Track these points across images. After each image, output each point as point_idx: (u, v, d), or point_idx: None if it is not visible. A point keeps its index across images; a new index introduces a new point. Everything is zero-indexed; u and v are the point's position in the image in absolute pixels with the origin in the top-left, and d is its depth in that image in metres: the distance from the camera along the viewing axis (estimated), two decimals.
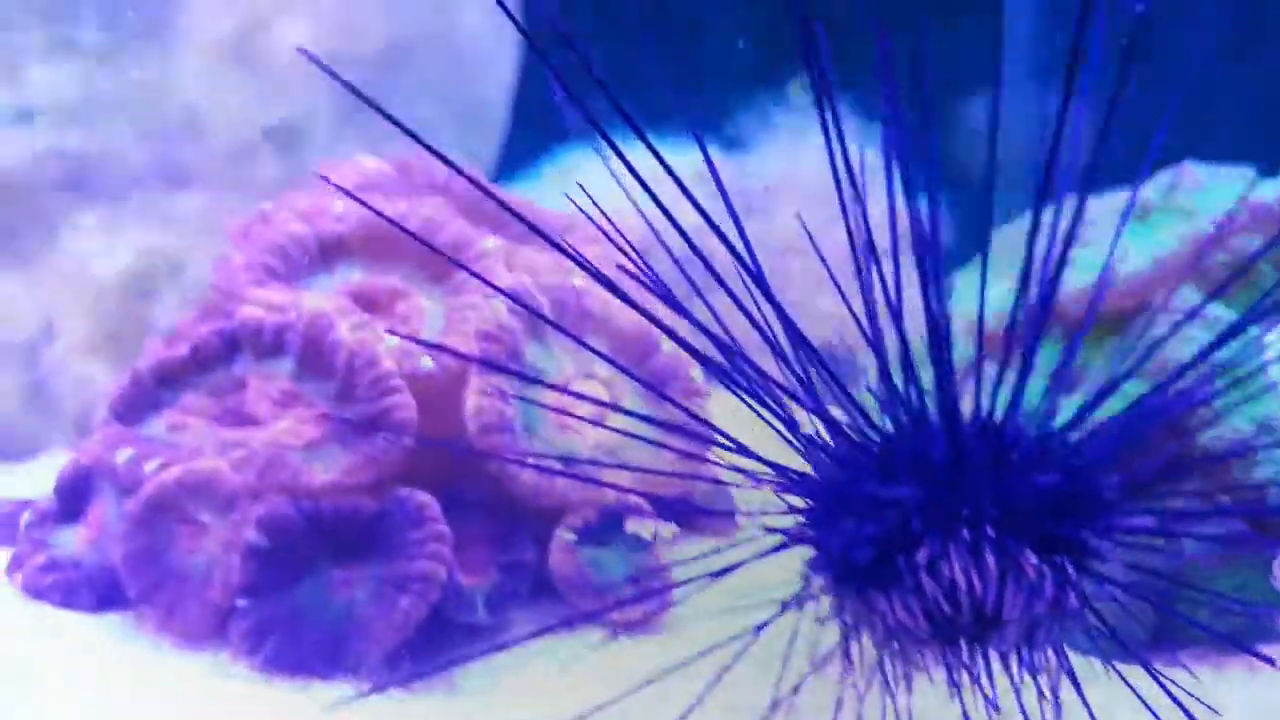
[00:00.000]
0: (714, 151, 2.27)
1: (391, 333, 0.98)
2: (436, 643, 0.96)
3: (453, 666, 0.93)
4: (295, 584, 0.93)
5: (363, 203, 0.84)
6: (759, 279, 0.72)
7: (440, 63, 2.19)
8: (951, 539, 0.67)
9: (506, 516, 0.99)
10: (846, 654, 0.74)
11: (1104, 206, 1.31)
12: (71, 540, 1.06)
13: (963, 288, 1.45)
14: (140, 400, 1.07)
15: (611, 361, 0.90)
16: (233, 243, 1.20)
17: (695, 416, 0.81)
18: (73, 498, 1.08)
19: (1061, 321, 0.94)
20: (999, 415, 0.72)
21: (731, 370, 0.76)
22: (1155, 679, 0.69)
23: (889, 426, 0.72)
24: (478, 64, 2.31)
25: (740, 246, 0.71)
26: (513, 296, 1.03)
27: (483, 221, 1.19)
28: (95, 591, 1.00)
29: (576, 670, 0.94)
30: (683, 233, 0.71)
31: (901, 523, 0.68)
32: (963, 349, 1.18)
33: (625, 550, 1.02)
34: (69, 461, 1.10)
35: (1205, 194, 1.17)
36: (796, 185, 2.32)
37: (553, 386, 1.01)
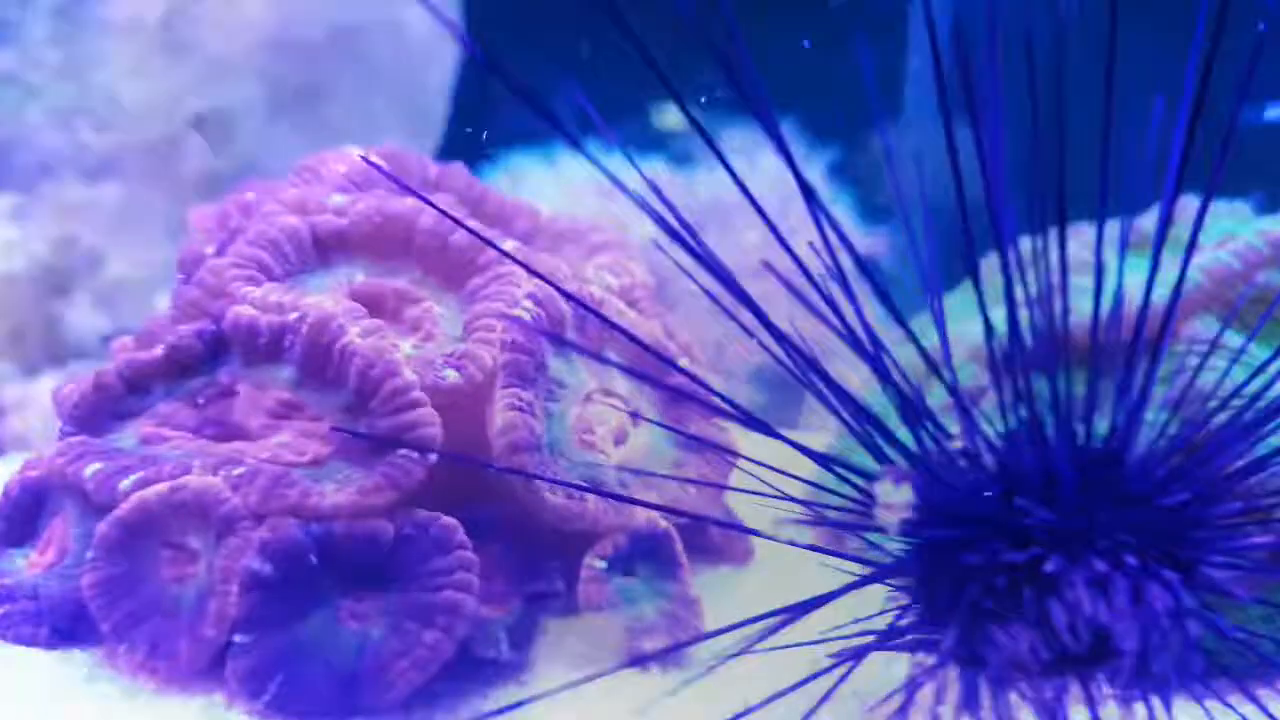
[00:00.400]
0: (661, 167, 2.20)
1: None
2: (455, 682, 0.87)
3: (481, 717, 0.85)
4: (302, 618, 0.83)
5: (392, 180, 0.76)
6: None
7: (387, 53, 2.09)
8: (1082, 566, 0.64)
9: (531, 542, 0.91)
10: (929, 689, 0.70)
11: (1087, 238, 1.32)
12: (20, 566, 0.93)
13: (953, 311, 1.45)
14: (106, 407, 0.95)
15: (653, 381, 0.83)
16: (200, 234, 1.09)
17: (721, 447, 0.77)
18: (21, 517, 0.95)
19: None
20: (1101, 435, 0.69)
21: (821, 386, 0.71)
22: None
23: (999, 448, 0.68)
24: (422, 57, 2.22)
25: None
26: (540, 303, 0.96)
27: (485, 223, 1.11)
28: (55, 625, 0.87)
29: (603, 710, 0.87)
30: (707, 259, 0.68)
31: (1029, 550, 0.64)
32: (970, 371, 1.16)
33: (652, 579, 0.95)
34: (15, 476, 0.97)
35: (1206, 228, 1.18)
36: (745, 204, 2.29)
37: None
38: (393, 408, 0.86)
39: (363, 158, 1.12)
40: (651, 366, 1.05)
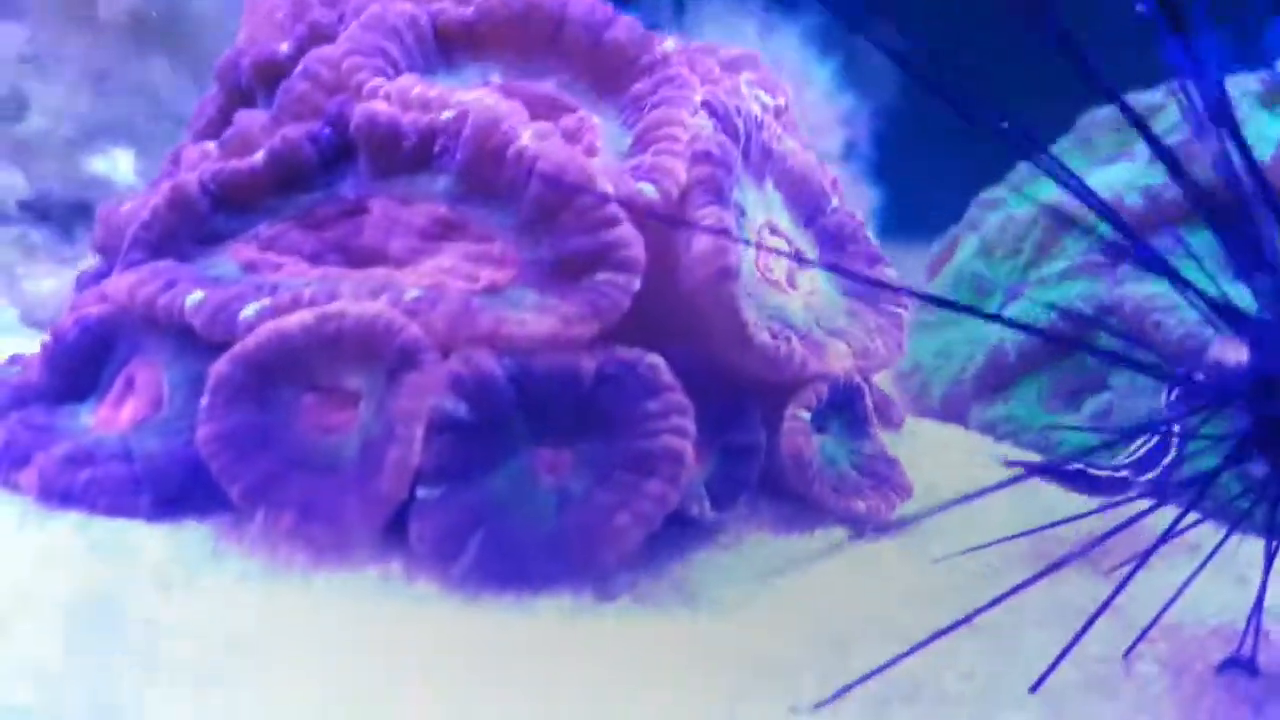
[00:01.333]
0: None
1: None
2: (644, 545, 0.75)
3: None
4: (495, 469, 0.69)
5: None
6: None
7: None
8: None
9: (727, 389, 0.79)
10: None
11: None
12: (86, 423, 0.75)
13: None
14: (187, 228, 0.76)
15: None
16: (263, 26, 0.90)
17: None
18: (79, 366, 0.76)
19: None
20: None
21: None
22: None
23: None
24: None
25: None
26: (715, 113, 0.82)
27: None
28: (159, 492, 0.70)
29: (823, 576, 0.77)
30: None
31: None
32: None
33: (844, 436, 0.85)
34: (67, 318, 0.78)
35: None
36: None
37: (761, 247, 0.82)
38: (589, 224, 0.72)
39: None
40: (806, 203, 0.94)
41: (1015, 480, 0.61)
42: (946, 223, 1.53)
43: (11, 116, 1.56)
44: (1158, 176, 1.17)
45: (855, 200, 2.22)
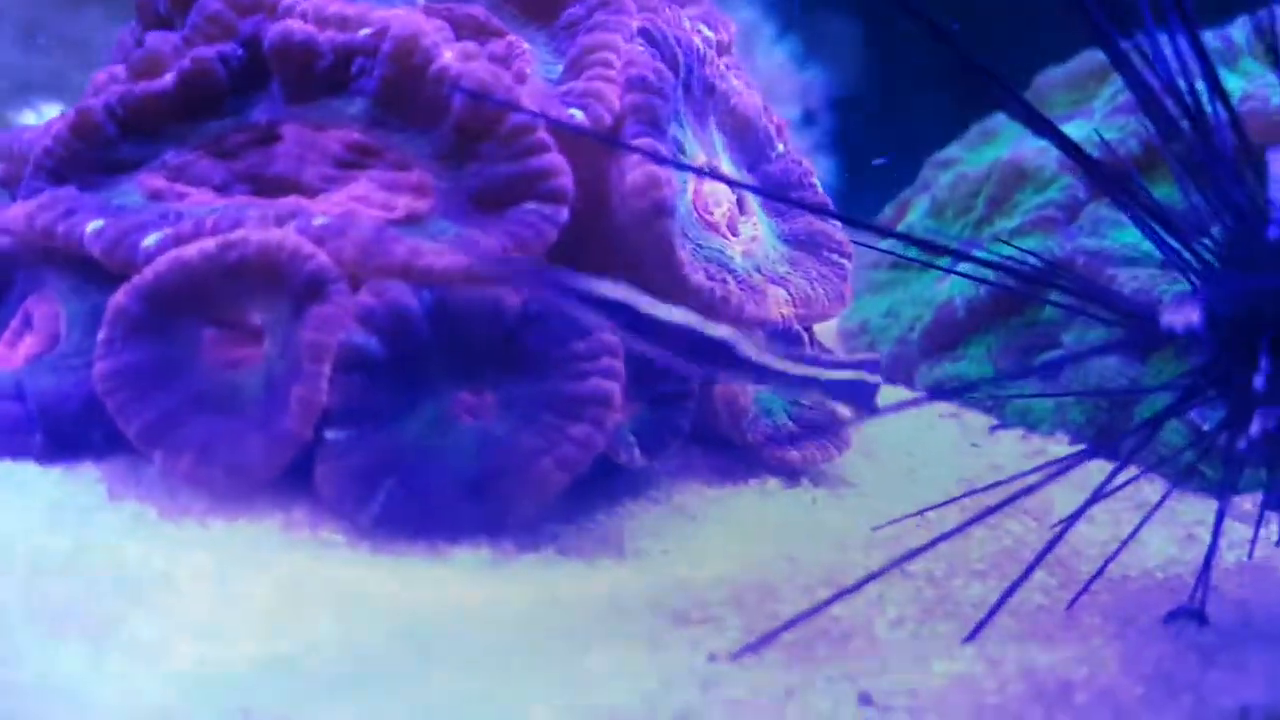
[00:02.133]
0: None
1: None
2: (575, 493, 0.72)
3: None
4: (410, 411, 0.65)
5: None
6: None
7: None
8: None
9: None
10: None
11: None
12: None
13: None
14: (92, 155, 0.71)
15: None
16: None
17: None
18: None
19: None
20: None
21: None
22: None
23: None
24: None
25: None
26: (652, 41, 0.79)
27: None
28: (53, 432, 0.66)
29: (754, 526, 0.74)
30: None
31: None
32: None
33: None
34: None
35: None
36: None
37: (702, 172, 0.79)
38: (515, 150, 0.68)
39: None
40: (750, 145, 0.91)
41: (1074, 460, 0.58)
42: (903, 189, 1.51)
43: None
44: (1113, 131, 1.16)
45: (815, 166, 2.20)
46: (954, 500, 0.67)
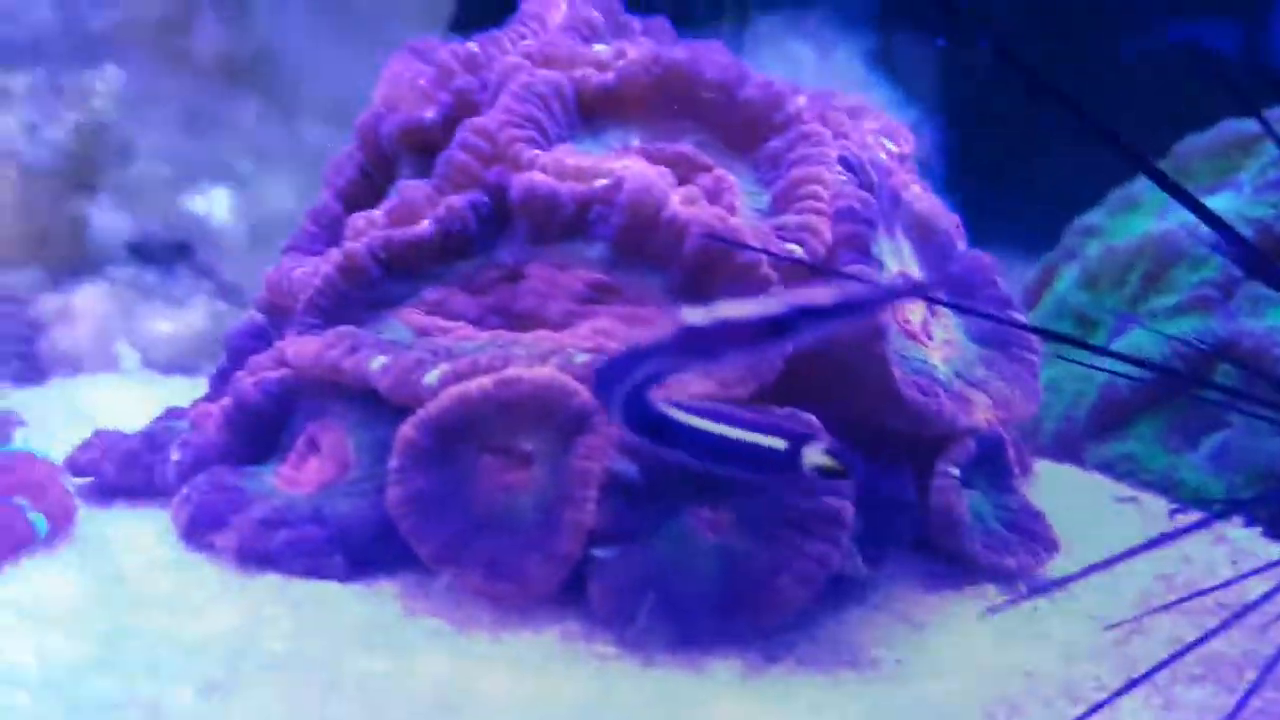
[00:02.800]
0: None
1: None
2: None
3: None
4: (660, 529, 0.73)
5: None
6: None
7: None
8: None
9: (881, 445, 0.82)
10: None
11: None
12: (271, 485, 0.80)
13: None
14: (359, 294, 0.80)
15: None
16: (404, 93, 0.94)
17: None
18: (262, 428, 0.80)
19: None
20: None
21: None
22: None
23: None
24: None
25: None
26: (850, 168, 0.86)
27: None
28: (351, 553, 0.74)
29: (980, 635, 0.79)
30: None
31: None
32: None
33: (988, 489, 0.88)
34: (247, 380, 0.83)
35: None
36: None
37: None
38: (743, 284, 0.75)
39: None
40: (934, 248, 0.97)
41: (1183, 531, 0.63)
42: (1020, 238, 1.55)
43: (118, 163, 1.63)
44: (1264, 208, 1.19)
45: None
46: (1169, 606, 0.72)
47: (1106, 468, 1.13)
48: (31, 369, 1.43)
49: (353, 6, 1.93)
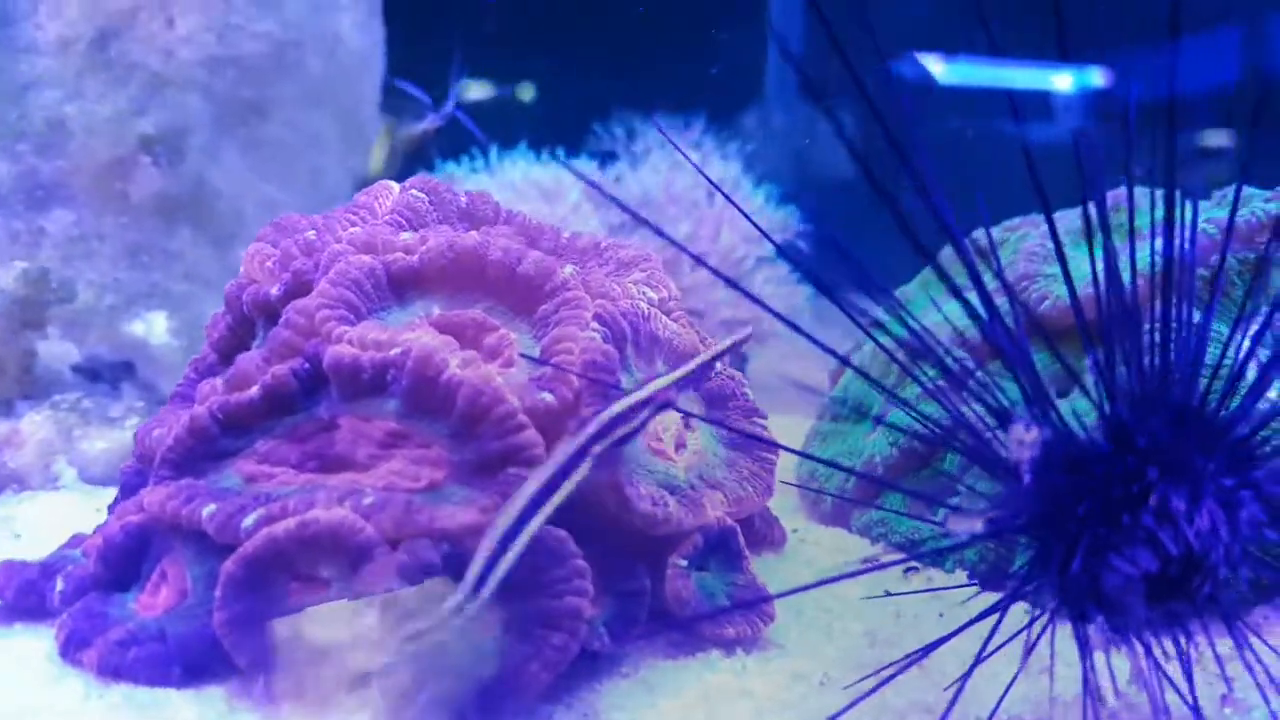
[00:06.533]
0: (589, 165, 2.24)
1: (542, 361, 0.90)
2: (563, 677, 0.89)
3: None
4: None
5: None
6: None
7: (322, 66, 2.02)
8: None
9: (618, 546, 0.94)
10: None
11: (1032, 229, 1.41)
12: (131, 610, 0.90)
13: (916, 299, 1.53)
14: (203, 449, 0.92)
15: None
16: (259, 272, 1.06)
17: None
18: (125, 562, 0.91)
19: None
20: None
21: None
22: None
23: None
24: (356, 69, 2.16)
25: None
26: (605, 323, 0.98)
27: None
28: (186, 664, 0.85)
29: (703, 695, 0.91)
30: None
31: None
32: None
33: (721, 571, 1.00)
34: (114, 522, 0.93)
35: (1143, 214, 1.30)
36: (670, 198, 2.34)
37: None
38: (502, 431, 0.87)
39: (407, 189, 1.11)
40: (691, 374, 1.10)
41: (865, 571, 0.74)
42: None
43: (66, 298, 1.73)
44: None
45: (788, 294, 2.40)
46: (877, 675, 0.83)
47: (866, 530, 1.25)
48: None
49: (279, 142, 2.04)
